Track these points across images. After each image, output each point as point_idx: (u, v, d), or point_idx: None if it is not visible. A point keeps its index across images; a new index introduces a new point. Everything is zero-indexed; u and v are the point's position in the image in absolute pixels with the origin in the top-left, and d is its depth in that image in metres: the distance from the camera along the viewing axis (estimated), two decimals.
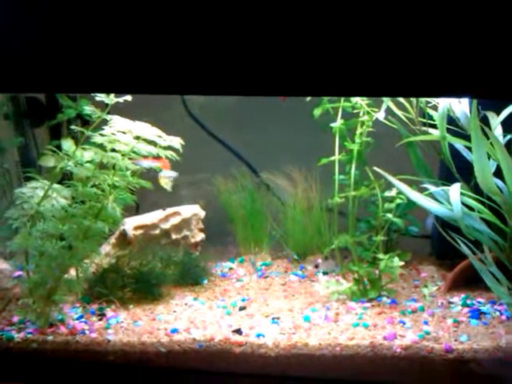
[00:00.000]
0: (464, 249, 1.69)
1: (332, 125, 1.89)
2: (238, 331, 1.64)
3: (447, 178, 1.80)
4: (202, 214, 2.20)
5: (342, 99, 1.87)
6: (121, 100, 1.71)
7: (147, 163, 1.82)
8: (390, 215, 1.85)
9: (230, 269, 2.17)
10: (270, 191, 2.23)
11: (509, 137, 1.73)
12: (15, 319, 1.73)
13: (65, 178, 1.78)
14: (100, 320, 1.75)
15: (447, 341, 1.56)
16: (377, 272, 1.86)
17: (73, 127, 1.81)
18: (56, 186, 1.71)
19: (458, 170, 1.78)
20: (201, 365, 1.60)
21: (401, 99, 1.82)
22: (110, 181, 1.74)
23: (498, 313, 1.72)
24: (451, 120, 1.76)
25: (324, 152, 1.90)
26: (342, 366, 1.55)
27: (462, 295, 1.85)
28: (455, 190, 1.66)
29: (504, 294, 1.68)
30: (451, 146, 1.80)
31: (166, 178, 1.94)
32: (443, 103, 1.72)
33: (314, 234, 2.19)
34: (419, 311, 1.76)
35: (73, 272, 1.81)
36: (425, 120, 1.81)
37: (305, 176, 2.14)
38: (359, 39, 1.21)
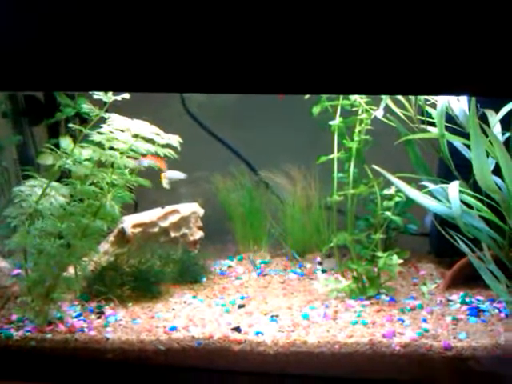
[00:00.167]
0: (463, 247, 1.69)
1: (331, 123, 1.88)
2: (237, 329, 1.64)
3: (446, 176, 1.80)
4: (201, 212, 2.20)
5: (341, 97, 1.87)
6: (119, 98, 1.71)
7: (148, 161, 1.83)
8: (388, 213, 1.85)
9: (229, 267, 2.17)
10: (269, 189, 2.23)
11: (507, 134, 1.73)
12: (14, 317, 1.73)
13: (63, 176, 1.78)
14: (99, 318, 1.75)
15: (446, 338, 1.56)
16: (375, 270, 1.86)
17: (71, 125, 1.81)
18: (54, 184, 1.71)
19: (457, 167, 1.78)
20: (200, 363, 1.60)
21: (399, 97, 1.82)
22: (109, 179, 1.74)
23: (496, 310, 1.72)
24: (450, 118, 1.76)
25: (323, 150, 1.90)
26: (340, 363, 1.55)
27: (461, 293, 1.86)
28: (454, 188, 1.66)
29: (503, 292, 1.68)
30: (450, 144, 1.80)
31: (173, 179, 1.94)
32: (442, 101, 1.72)
33: (312, 232, 2.19)
34: (418, 309, 1.76)
35: (71, 270, 1.81)
36: (423, 118, 1.81)
37: (304, 174, 2.14)
38: (358, 37, 1.21)
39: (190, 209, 2.17)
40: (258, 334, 1.62)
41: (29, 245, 1.68)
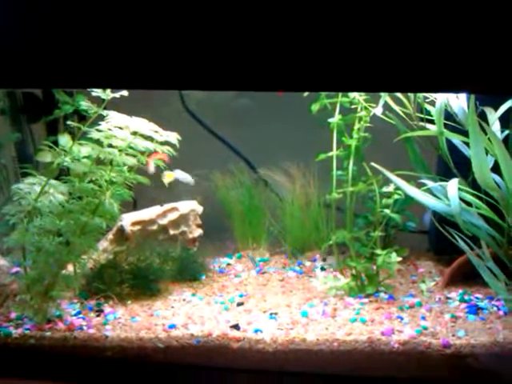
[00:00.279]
0: (462, 244, 1.69)
1: (330, 120, 1.88)
2: (236, 327, 1.64)
3: (445, 174, 1.80)
4: (200, 209, 2.19)
5: (340, 94, 1.87)
6: (117, 95, 1.70)
7: (153, 165, 1.83)
8: (387, 211, 1.85)
9: (228, 264, 2.17)
10: (268, 187, 2.22)
11: (506, 132, 1.72)
12: (13, 315, 1.73)
13: (62, 174, 1.78)
14: (98, 316, 1.75)
15: (445, 336, 1.56)
16: (374, 267, 1.86)
17: (69, 123, 1.81)
18: (53, 181, 1.71)
19: (456, 165, 1.78)
20: (199, 360, 1.60)
21: (398, 94, 1.81)
22: (108, 176, 1.73)
23: (495, 308, 1.72)
24: (449, 115, 1.76)
25: (322, 147, 1.90)
26: (339, 361, 1.55)
27: (460, 291, 1.86)
28: (453, 186, 1.66)
29: (501, 290, 1.68)
30: (449, 142, 1.80)
31: (180, 180, 1.95)
32: (441, 98, 1.72)
33: (311, 229, 2.19)
34: (417, 306, 1.76)
35: (70, 268, 1.81)
36: (422, 115, 1.80)
37: (303, 172, 2.14)
38: (357, 34, 1.20)
39: (189, 206, 2.17)
40: (256, 331, 1.62)
41: (27, 242, 1.68)
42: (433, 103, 1.76)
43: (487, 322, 1.65)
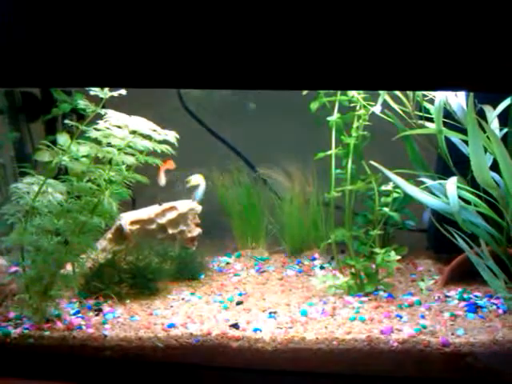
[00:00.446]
0: (461, 243, 1.69)
1: (329, 118, 1.88)
2: (235, 326, 1.64)
3: (444, 172, 1.80)
4: (199, 208, 2.19)
5: (339, 93, 1.86)
6: (115, 94, 1.70)
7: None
8: (386, 209, 1.85)
9: (227, 263, 2.17)
10: (267, 186, 2.22)
11: (505, 130, 1.72)
12: (12, 315, 1.73)
13: (60, 173, 1.77)
14: (97, 315, 1.75)
15: (444, 335, 1.56)
16: (373, 266, 1.86)
17: (68, 122, 1.80)
18: (51, 181, 1.70)
19: (455, 163, 1.78)
20: (198, 359, 1.60)
21: (397, 93, 1.81)
22: (106, 175, 1.73)
23: (494, 306, 1.72)
24: (448, 113, 1.76)
25: (321, 146, 1.90)
26: (338, 360, 1.55)
27: (459, 289, 1.86)
28: (452, 184, 1.66)
29: (500, 288, 1.68)
30: (448, 140, 1.80)
31: (198, 193, 1.98)
32: (440, 97, 1.72)
33: (310, 228, 2.19)
34: (416, 305, 1.76)
35: (69, 267, 1.81)
36: (421, 114, 1.80)
37: (301, 170, 2.14)
38: (356, 33, 1.20)
39: (188, 205, 2.17)
40: (256, 330, 1.61)
41: (26, 242, 1.67)
42: (432, 101, 1.76)
43: (486, 321, 1.65)
